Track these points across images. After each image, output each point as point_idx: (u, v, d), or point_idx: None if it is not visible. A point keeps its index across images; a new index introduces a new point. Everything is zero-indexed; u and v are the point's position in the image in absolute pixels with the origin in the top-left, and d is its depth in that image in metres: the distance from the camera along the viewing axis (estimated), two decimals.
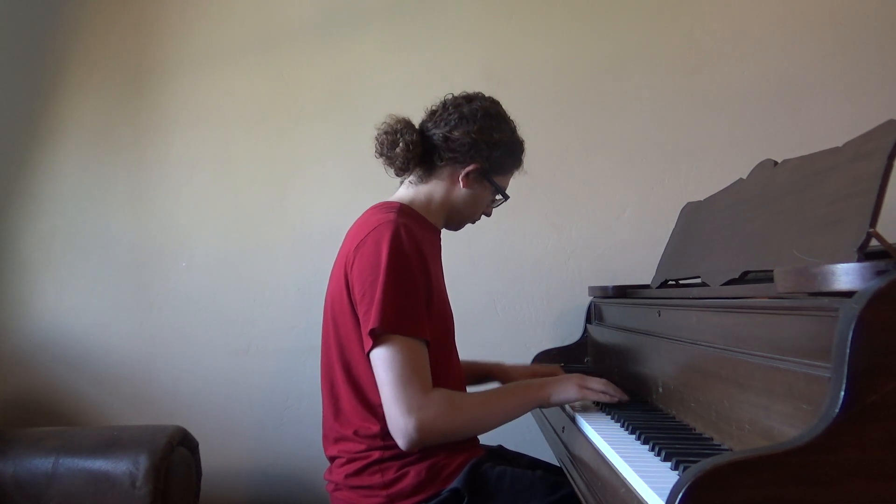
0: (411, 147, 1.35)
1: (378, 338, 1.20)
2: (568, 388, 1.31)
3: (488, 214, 1.51)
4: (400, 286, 1.21)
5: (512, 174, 1.48)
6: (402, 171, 1.40)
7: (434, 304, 1.29)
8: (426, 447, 1.23)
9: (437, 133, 1.37)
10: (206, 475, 1.99)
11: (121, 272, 2.29)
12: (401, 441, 1.19)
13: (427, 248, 1.30)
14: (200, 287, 2.27)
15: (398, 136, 1.36)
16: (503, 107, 1.44)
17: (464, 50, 2.25)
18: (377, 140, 1.38)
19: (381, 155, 1.38)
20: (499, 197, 1.46)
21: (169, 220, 2.30)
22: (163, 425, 1.93)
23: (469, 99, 1.41)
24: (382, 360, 1.20)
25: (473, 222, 1.50)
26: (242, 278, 2.26)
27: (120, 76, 2.33)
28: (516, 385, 1.38)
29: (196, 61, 2.32)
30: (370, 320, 1.19)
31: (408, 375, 1.18)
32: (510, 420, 1.30)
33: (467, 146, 1.36)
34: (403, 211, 1.33)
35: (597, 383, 1.32)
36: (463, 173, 1.38)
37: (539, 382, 1.34)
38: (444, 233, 1.48)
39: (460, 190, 1.40)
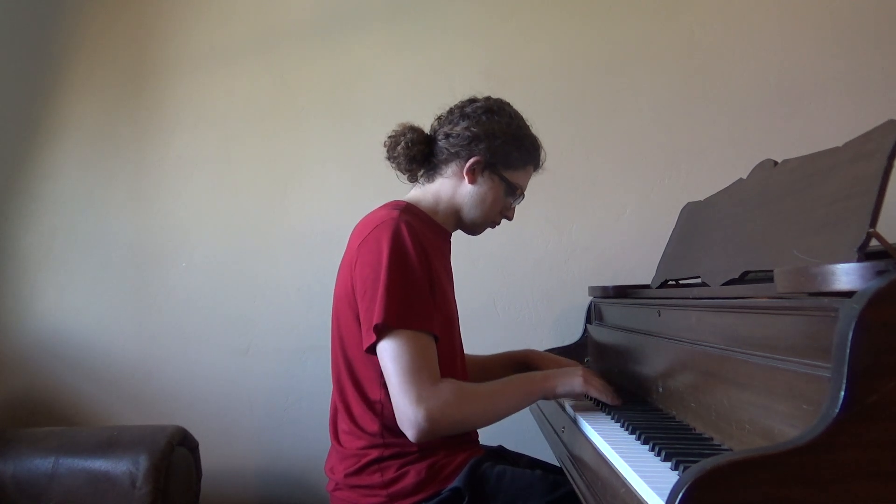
0: (410, 146, 1.40)
1: (382, 332, 1.20)
2: (574, 380, 1.32)
3: (509, 217, 1.49)
4: (402, 281, 1.22)
5: (527, 171, 1.46)
6: (407, 171, 1.45)
7: (437, 302, 1.29)
8: (432, 441, 1.23)
9: (441, 132, 1.42)
10: (206, 475, 1.99)
11: (121, 272, 2.29)
12: (410, 432, 1.18)
13: (429, 246, 1.31)
14: (200, 287, 2.27)
15: (400, 138, 1.41)
16: (512, 107, 1.45)
17: (464, 50, 2.25)
18: (384, 144, 1.44)
19: (388, 158, 1.44)
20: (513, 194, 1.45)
21: (169, 220, 2.30)
22: (163, 425, 1.93)
23: (473, 100, 1.44)
24: (389, 353, 1.19)
25: (493, 225, 1.48)
26: (242, 278, 2.26)
27: (120, 76, 2.33)
28: (523, 376, 1.38)
29: (196, 61, 2.32)
30: (373, 316, 1.19)
31: (416, 367, 1.18)
32: (517, 410, 1.30)
33: (466, 140, 1.38)
34: (408, 209, 1.35)
35: (598, 381, 1.33)
36: (466, 167, 1.39)
37: (543, 374, 1.35)
38: None
39: (466, 186, 1.40)
